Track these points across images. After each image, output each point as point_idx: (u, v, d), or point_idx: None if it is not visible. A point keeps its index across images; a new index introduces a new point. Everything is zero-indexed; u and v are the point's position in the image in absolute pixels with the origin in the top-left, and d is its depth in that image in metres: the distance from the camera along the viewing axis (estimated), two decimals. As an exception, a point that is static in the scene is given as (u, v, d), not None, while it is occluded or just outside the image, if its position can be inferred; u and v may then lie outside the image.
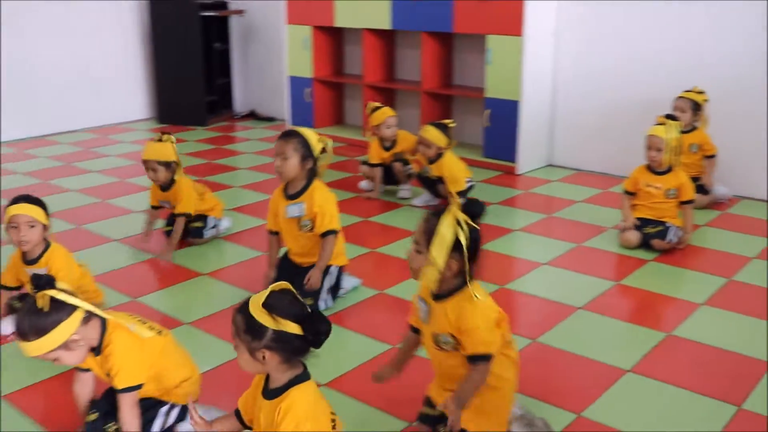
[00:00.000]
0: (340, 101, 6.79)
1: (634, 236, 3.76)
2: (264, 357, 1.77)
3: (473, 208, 1.99)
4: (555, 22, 5.24)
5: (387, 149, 4.70)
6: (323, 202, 3.06)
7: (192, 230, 3.88)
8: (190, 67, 6.89)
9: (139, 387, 2.08)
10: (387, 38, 6.20)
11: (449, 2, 5.32)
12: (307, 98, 6.51)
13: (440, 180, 4.35)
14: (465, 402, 2.02)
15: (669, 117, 3.76)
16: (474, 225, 1.97)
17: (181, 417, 2.22)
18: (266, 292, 1.78)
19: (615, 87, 5.10)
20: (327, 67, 6.56)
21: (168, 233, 3.82)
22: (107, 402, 2.13)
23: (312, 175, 3.09)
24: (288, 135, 3.05)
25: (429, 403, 2.22)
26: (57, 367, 2.24)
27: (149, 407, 2.16)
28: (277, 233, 3.22)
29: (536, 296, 3.29)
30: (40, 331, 1.90)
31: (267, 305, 1.76)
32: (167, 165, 3.70)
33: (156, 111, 7.34)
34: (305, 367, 1.86)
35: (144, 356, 2.09)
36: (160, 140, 3.73)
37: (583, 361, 2.71)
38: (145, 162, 3.72)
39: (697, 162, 4.40)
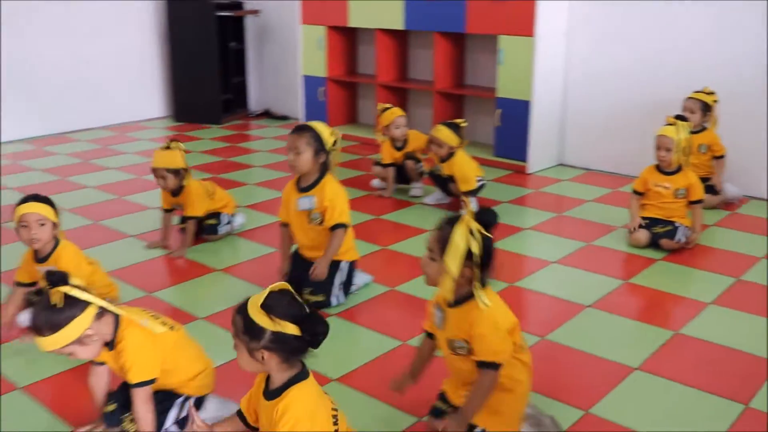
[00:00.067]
0: (353, 100, 6.84)
1: (643, 235, 3.78)
2: (263, 357, 1.79)
3: (486, 217, 2.01)
4: (566, 23, 5.26)
5: (398, 149, 4.74)
6: (334, 196, 3.09)
7: (206, 228, 3.93)
8: (206, 66, 6.97)
9: (152, 382, 2.12)
10: (400, 38, 6.24)
11: (462, 3, 5.36)
12: (321, 97, 6.56)
13: (452, 179, 4.39)
14: (474, 414, 2.06)
15: (678, 118, 3.78)
16: (487, 234, 2.00)
17: (196, 407, 2.25)
18: (265, 292, 1.79)
19: (625, 87, 5.12)
20: (340, 66, 6.61)
21: (182, 231, 3.88)
22: (124, 394, 2.18)
23: (324, 168, 3.12)
24: (301, 129, 3.06)
25: (443, 398, 2.26)
26: (73, 360, 2.28)
27: (164, 398, 2.21)
28: (288, 225, 3.25)
29: (545, 294, 3.32)
30: (54, 327, 1.94)
31: (265, 306, 1.77)
32: (176, 172, 3.73)
33: (172, 109, 7.42)
34: (304, 366, 1.88)
35: (156, 351, 2.13)
36: (168, 148, 3.75)
37: (592, 358, 2.74)
38: (155, 170, 3.76)
39: (706, 162, 4.41)
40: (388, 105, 4.82)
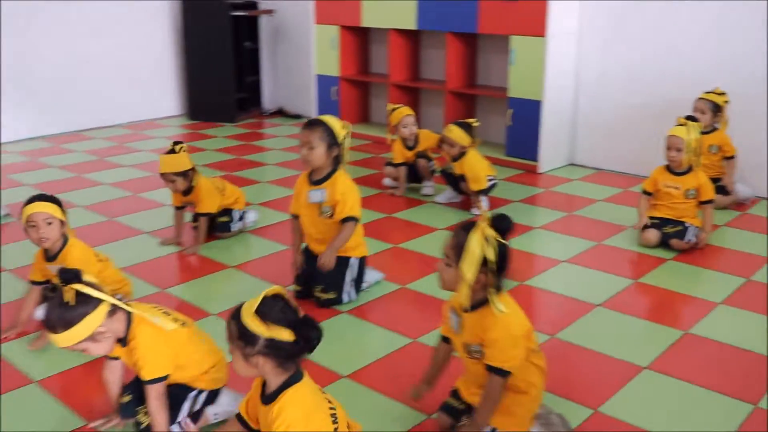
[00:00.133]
0: (365, 99, 6.87)
1: (653, 235, 3.79)
2: (258, 362, 1.80)
3: (501, 224, 2.02)
4: (578, 23, 5.27)
5: (410, 148, 4.76)
6: (346, 190, 3.09)
7: (219, 225, 3.97)
8: (221, 65, 7.02)
9: (164, 378, 2.15)
10: (412, 38, 6.26)
11: (474, 3, 5.37)
12: (334, 96, 6.59)
13: (463, 177, 4.41)
14: (487, 421, 2.10)
15: (689, 118, 3.78)
16: (502, 241, 2.01)
17: (209, 401, 2.30)
18: (259, 298, 1.80)
19: (636, 87, 5.12)
20: (353, 66, 6.64)
21: (195, 228, 3.92)
22: (138, 386, 2.21)
23: (337, 162, 3.13)
24: (313, 124, 3.07)
25: (455, 395, 2.28)
26: (87, 355, 2.31)
27: (178, 392, 2.24)
28: (299, 217, 3.24)
29: (556, 293, 3.33)
30: (67, 324, 1.97)
31: (259, 312, 1.78)
32: (184, 174, 3.75)
33: (187, 108, 7.48)
34: (298, 367, 1.87)
35: (168, 348, 2.16)
36: (172, 151, 3.75)
37: (601, 357, 2.75)
38: (163, 175, 3.77)
39: (717, 163, 4.41)
40: (397, 105, 4.84)
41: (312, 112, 6.94)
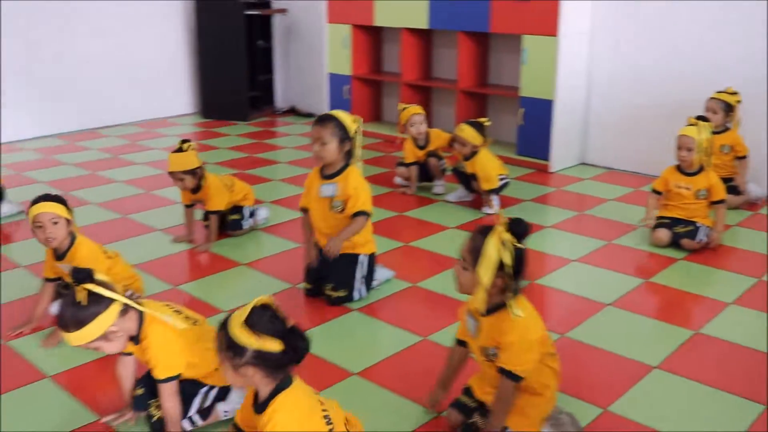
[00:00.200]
0: (377, 98, 6.88)
1: (665, 235, 3.78)
2: (247, 372, 1.79)
3: (518, 228, 2.03)
4: (590, 23, 5.26)
5: (421, 148, 4.77)
6: (358, 185, 3.10)
7: (230, 223, 3.99)
8: (234, 64, 7.05)
9: (177, 377, 2.17)
10: (424, 37, 6.27)
11: (486, 3, 5.38)
12: (346, 95, 6.61)
13: (474, 176, 4.41)
14: (500, 425, 2.11)
15: (700, 118, 3.76)
16: (519, 245, 2.02)
17: (220, 397, 2.32)
18: (247, 309, 1.80)
19: (648, 87, 5.11)
20: (365, 65, 6.66)
21: (206, 226, 3.93)
22: (151, 380, 2.23)
23: (349, 156, 3.13)
24: (324, 120, 3.07)
25: (468, 392, 2.29)
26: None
27: (189, 387, 2.26)
28: (308, 211, 3.25)
29: (566, 292, 3.34)
30: (79, 323, 1.99)
31: (247, 323, 1.77)
32: (192, 173, 3.76)
33: (200, 106, 7.52)
34: (287, 373, 1.86)
35: (180, 347, 2.18)
36: (180, 149, 3.76)
37: (611, 356, 2.75)
38: (171, 173, 3.78)
39: (729, 163, 4.39)
40: (408, 104, 4.85)
41: (324, 110, 6.93)
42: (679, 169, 3.84)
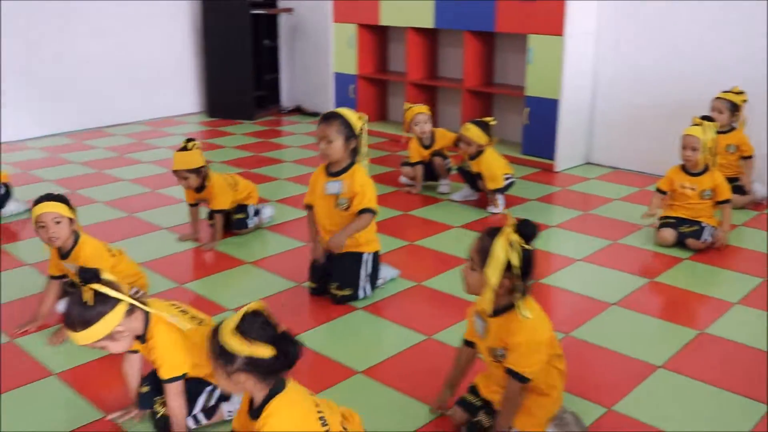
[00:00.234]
0: (383, 98, 6.88)
1: (670, 234, 3.78)
2: (240, 379, 1.80)
3: (526, 230, 2.03)
4: (595, 23, 5.25)
5: (426, 147, 4.78)
6: (364, 182, 3.10)
7: (235, 222, 4.00)
8: (240, 63, 7.06)
9: (182, 377, 2.18)
10: (430, 37, 6.27)
11: (491, 2, 5.38)
12: (352, 94, 6.62)
13: (480, 175, 4.41)
14: (508, 426, 2.12)
15: (705, 118, 3.76)
16: (526, 246, 2.02)
17: (225, 397, 2.32)
18: (238, 315, 1.80)
19: (653, 87, 5.10)
20: (371, 64, 6.67)
21: (212, 225, 3.94)
22: (157, 377, 2.23)
23: (355, 154, 3.13)
24: (329, 118, 3.07)
25: (473, 390, 2.29)
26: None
27: (194, 385, 2.27)
28: (313, 207, 3.25)
29: (571, 291, 3.34)
30: (86, 323, 2.00)
31: (238, 330, 1.77)
32: (197, 171, 3.77)
33: (206, 105, 7.55)
34: (280, 377, 1.86)
35: (185, 347, 2.18)
36: (185, 148, 3.76)
37: (616, 356, 2.75)
38: (176, 172, 3.78)
39: (734, 162, 4.38)
40: (413, 104, 4.86)
41: (330, 109, 6.95)
42: (684, 169, 3.83)
